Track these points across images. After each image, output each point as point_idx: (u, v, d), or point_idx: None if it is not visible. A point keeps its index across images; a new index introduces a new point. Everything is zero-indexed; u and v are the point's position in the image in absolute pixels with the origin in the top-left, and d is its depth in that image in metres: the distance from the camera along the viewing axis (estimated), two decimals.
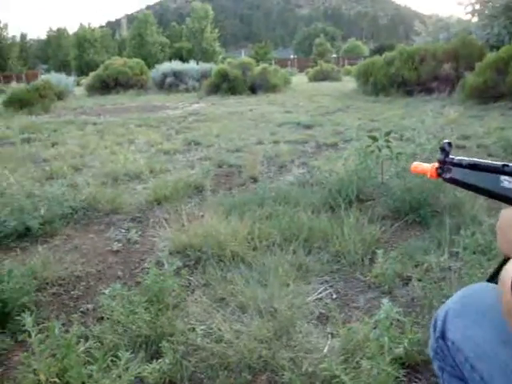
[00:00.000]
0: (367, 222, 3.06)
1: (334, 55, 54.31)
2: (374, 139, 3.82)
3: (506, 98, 10.17)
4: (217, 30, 55.59)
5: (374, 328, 1.84)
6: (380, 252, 2.59)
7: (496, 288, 0.78)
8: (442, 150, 1.02)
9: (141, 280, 2.60)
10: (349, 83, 19.49)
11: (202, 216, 3.19)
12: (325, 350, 1.89)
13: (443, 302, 1.07)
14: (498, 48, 12.06)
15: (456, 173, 0.99)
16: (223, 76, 17.01)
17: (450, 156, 1.02)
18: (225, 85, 16.80)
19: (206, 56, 47.52)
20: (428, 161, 1.17)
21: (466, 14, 18.67)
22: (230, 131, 7.83)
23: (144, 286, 2.25)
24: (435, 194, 3.38)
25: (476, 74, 11.02)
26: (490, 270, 1.18)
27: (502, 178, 0.85)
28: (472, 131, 6.93)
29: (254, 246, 2.83)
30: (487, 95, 10.44)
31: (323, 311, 2.25)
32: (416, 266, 2.59)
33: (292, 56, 64.64)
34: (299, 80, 26.45)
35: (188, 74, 20.54)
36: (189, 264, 2.73)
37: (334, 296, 2.42)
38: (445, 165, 1.02)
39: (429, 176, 1.08)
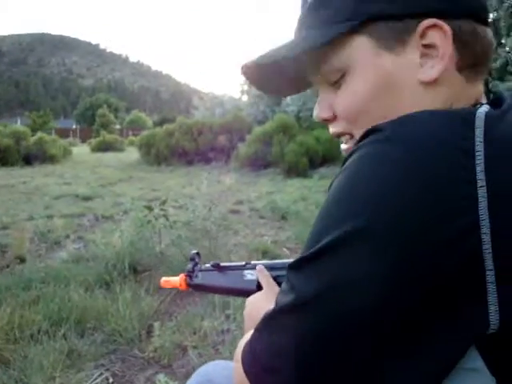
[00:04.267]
0: (144, 294, 2.97)
1: (118, 126, 54.53)
2: (150, 209, 3.83)
3: (273, 165, 11.55)
4: None
5: None
6: (157, 324, 2.51)
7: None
8: (191, 259, 1.02)
9: None
10: (132, 154, 19.53)
11: None
12: None
13: None
14: (263, 123, 13.68)
15: (204, 278, 0.99)
16: None
17: (199, 265, 1.01)
18: None
19: None
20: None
21: (238, 93, 20.96)
22: None
23: None
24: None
25: (247, 145, 12.29)
26: None
27: (245, 272, 0.92)
28: (245, 196, 7.54)
29: (14, 337, 2.44)
30: (258, 163, 11.72)
31: None
32: (194, 334, 2.57)
33: (74, 126, 62.64)
34: (81, 151, 25.59)
35: None
36: None
37: (111, 380, 2.22)
38: (193, 273, 1.01)
39: (180, 287, 1.03)
